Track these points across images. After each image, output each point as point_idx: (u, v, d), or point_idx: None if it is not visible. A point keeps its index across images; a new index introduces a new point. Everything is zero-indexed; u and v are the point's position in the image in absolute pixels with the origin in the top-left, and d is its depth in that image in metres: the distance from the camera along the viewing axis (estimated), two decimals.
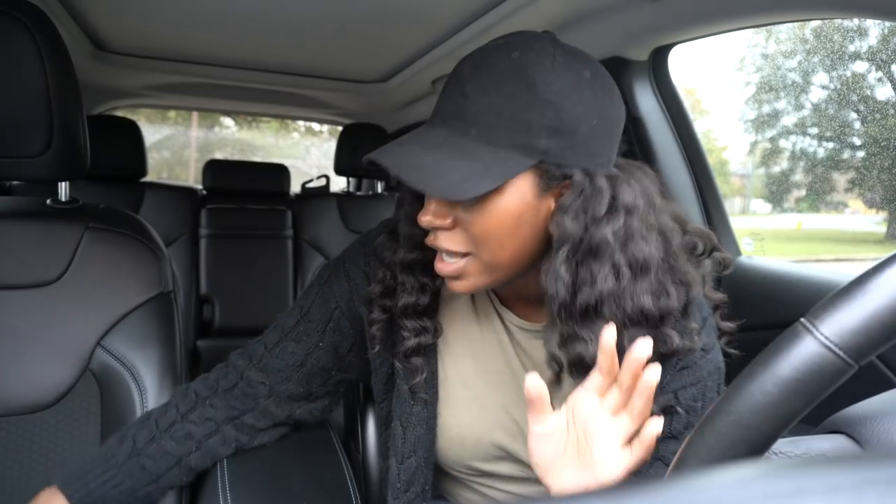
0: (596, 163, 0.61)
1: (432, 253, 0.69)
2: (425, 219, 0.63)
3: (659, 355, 0.66)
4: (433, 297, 0.76)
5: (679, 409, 0.70)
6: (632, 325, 0.63)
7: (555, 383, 0.66)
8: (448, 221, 0.63)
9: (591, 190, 0.60)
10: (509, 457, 0.78)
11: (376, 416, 0.87)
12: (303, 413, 0.85)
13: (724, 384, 0.74)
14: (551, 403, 0.63)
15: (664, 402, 0.71)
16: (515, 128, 0.58)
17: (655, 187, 0.67)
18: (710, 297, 0.74)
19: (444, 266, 0.65)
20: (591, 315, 0.62)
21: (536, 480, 0.79)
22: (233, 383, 0.82)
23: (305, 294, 0.84)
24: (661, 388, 0.69)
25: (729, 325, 0.75)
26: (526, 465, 0.77)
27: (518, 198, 0.60)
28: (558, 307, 0.62)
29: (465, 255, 0.64)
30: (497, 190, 0.59)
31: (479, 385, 0.78)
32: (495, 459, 0.79)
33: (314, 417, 0.87)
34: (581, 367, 0.63)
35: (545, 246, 0.64)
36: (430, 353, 0.77)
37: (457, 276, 0.65)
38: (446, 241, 0.64)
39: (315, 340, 0.80)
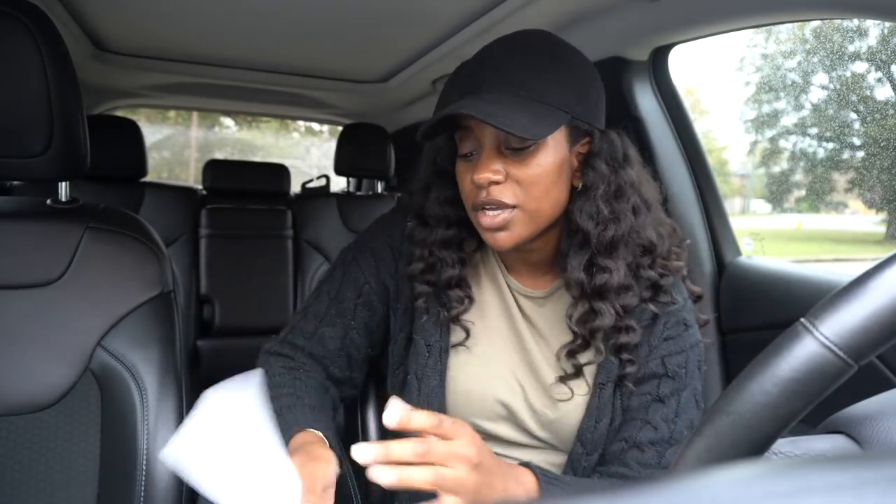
0: (601, 123, 0.76)
1: (465, 229, 0.81)
2: (482, 175, 0.71)
3: (650, 314, 0.79)
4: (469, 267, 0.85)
5: (667, 373, 0.79)
6: (643, 254, 0.77)
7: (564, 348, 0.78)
8: (501, 175, 0.71)
9: (608, 143, 0.75)
10: (511, 417, 0.83)
11: (390, 385, 0.90)
12: (346, 395, 0.91)
13: (703, 361, 0.83)
14: (573, 322, 0.77)
15: (653, 367, 0.79)
16: (555, 89, 0.70)
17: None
18: (691, 290, 0.85)
19: (492, 219, 0.73)
20: (614, 248, 0.74)
21: (536, 448, 0.83)
22: (292, 365, 0.86)
23: (329, 280, 0.89)
24: (648, 355, 0.79)
25: (704, 317, 0.86)
26: (525, 430, 0.83)
27: (557, 150, 0.72)
28: (595, 240, 0.73)
29: (513, 207, 0.72)
30: (543, 142, 0.71)
31: (485, 343, 0.84)
32: (498, 419, 0.83)
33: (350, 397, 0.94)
34: (603, 293, 0.75)
35: (567, 199, 0.76)
36: (443, 314, 0.84)
37: (502, 228, 0.73)
38: (500, 193, 0.72)
39: (349, 321, 0.87)
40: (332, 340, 0.86)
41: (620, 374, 0.78)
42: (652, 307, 0.78)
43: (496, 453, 0.85)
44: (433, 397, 0.83)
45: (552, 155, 0.72)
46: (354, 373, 0.89)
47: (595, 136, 0.74)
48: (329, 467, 0.67)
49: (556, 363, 0.82)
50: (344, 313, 0.86)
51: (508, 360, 0.83)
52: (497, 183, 0.71)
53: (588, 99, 0.73)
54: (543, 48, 0.72)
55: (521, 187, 0.71)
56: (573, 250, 0.75)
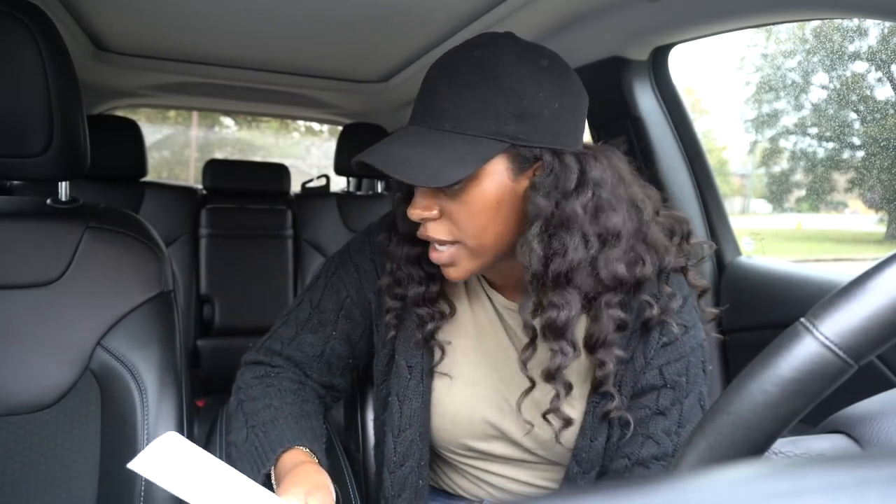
0: (563, 142, 0.66)
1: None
2: (414, 212, 0.68)
3: (640, 325, 0.73)
4: (442, 283, 0.80)
5: (666, 384, 0.74)
6: (606, 290, 0.69)
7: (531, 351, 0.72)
8: (434, 212, 0.68)
9: (561, 167, 0.65)
10: (502, 436, 0.81)
11: (374, 399, 0.89)
12: (328, 401, 0.90)
13: (707, 362, 0.78)
14: (528, 369, 0.71)
15: (650, 379, 0.75)
16: (483, 116, 0.63)
17: (625, 165, 0.72)
18: (695, 284, 0.78)
19: (438, 255, 0.70)
20: (563, 283, 0.67)
21: (534, 464, 0.81)
22: (263, 372, 0.84)
23: (312, 287, 0.87)
24: (644, 366, 0.74)
25: (712, 310, 0.79)
26: (518, 445, 0.81)
27: (495, 182, 0.65)
28: (531, 277, 0.66)
29: (453, 242, 0.68)
30: (475, 177, 0.64)
31: (471, 364, 0.81)
32: (488, 438, 0.81)
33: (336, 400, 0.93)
34: (552, 331, 0.68)
35: (518, 229, 0.69)
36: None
37: (450, 264, 0.70)
38: (434, 231, 0.69)
39: (330, 330, 0.84)
40: (311, 347, 0.84)
41: (603, 411, 0.74)
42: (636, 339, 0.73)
43: (492, 471, 0.84)
44: (415, 419, 0.80)
45: (489, 188, 0.65)
46: (336, 379, 0.87)
47: (545, 161, 0.65)
48: (332, 495, 0.67)
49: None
50: (325, 323, 0.84)
51: (497, 378, 0.80)
52: (432, 219, 0.68)
53: (537, 119, 0.64)
54: (481, 64, 0.64)
55: (455, 224, 0.67)
56: (524, 289, 0.69)
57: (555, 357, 0.69)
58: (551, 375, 0.70)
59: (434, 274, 0.79)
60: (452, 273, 0.71)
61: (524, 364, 0.71)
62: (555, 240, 0.66)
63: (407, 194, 0.75)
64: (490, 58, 0.64)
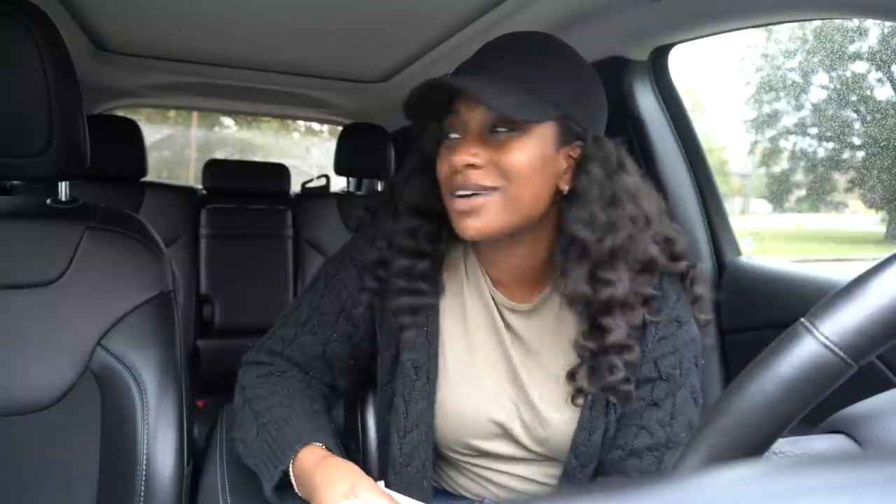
0: (598, 131, 0.74)
1: (435, 221, 0.78)
2: (460, 158, 0.69)
3: (640, 324, 0.75)
4: (432, 266, 0.81)
5: (660, 376, 0.76)
6: (640, 272, 0.73)
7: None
8: (481, 160, 0.69)
9: (602, 150, 0.72)
10: (506, 434, 0.81)
11: (378, 402, 0.88)
12: (330, 401, 0.90)
13: (700, 356, 0.80)
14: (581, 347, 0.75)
15: (646, 372, 0.77)
16: (548, 85, 0.69)
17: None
18: (695, 291, 0.80)
19: (465, 202, 0.70)
20: (616, 258, 0.71)
21: (533, 461, 0.82)
22: (267, 371, 0.84)
23: (311, 289, 0.86)
24: (642, 358, 0.76)
25: (700, 290, 0.81)
26: (519, 443, 0.81)
27: (541, 144, 0.70)
28: (593, 249, 0.70)
29: (494, 189, 0.70)
30: (526, 132, 0.69)
31: (475, 363, 0.81)
32: (493, 437, 0.82)
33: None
34: (609, 307, 0.71)
35: (552, 205, 0.73)
36: (431, 334, 0.81)
37: (473, 213, 0.70)
38: (478, 177, 0.70)
39: (330, 332, 0.84)
40: (311, 347, 0.83)
41: (605, 384, 0.75)
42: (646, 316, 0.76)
43: (493, 469, 0.84)
44: (421, 420, 0.80)
45: (536, 147, 0.70)
46: (338, 380, 0.87)
47: (588, 141, 0.72)
48: (372, 481, 0.68)
49: (544, 378, 0.80)
50: (325, 325, 0.83)
51: (498, 377, 0.81)
52: (475, 167, 0.69)
53: (586, 104, 0.72)
54: (548, 46, 0.72)
55: (501, 172, 0.69)
56: (571, 263, 0.72)
57: (612, 333, 0.72)
58: (605, 351, 0.73)
59: (426, 252, 0.79)
60: (473, 224, 0.70)
61: (582, 335, 0.74)
62: (605, 213, 0.70)
63: (423, 164, 0.78)
64: (552, 43, 0.73)
